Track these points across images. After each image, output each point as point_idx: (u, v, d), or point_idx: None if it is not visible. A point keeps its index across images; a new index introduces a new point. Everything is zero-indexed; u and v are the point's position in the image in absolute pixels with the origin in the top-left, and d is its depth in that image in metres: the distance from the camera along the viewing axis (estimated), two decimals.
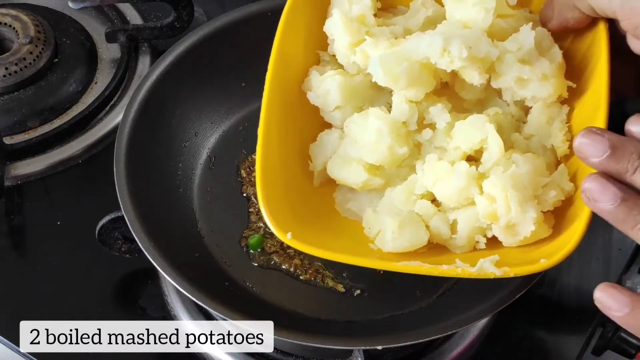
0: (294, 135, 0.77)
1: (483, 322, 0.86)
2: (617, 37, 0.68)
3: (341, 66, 0.78)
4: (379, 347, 0.72)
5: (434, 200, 0.73)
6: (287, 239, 0.68)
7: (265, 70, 0.75)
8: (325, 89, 0.76)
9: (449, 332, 0.75)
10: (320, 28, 0.78)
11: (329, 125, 0.79)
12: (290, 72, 0.78)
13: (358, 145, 0.74)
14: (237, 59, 0.92)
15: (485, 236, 0.71)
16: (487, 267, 0.64)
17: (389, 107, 0.75)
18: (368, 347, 0.73)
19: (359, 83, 0.77)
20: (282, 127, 0.75)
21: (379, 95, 0.77)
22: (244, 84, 0.93)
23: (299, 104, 0.78)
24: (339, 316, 0.80)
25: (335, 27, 0.76)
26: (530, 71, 0.70)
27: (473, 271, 0.65)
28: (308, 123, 0.79)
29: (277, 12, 0.78)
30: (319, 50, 0.80)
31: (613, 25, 0.69)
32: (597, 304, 0.60)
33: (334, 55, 0.79)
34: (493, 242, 0.70)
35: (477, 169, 0.69)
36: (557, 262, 0.64)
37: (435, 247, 0.72)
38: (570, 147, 0.71)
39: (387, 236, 0.71)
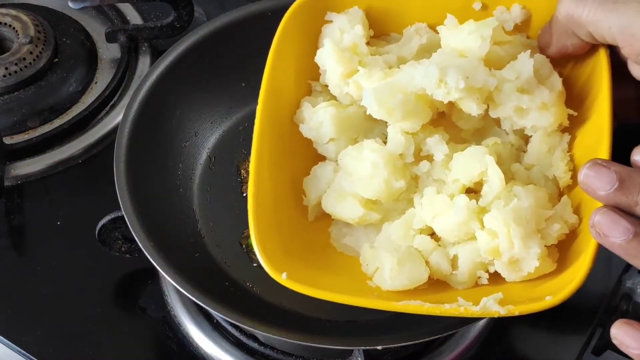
0: (287, 168, 0.75)
1: (483, 322, 0.86)
2: (618, 63, 0.67)
3: (334, 97, 0.77)
4: (379, 347, 0.72)
5: (433, 234, 0.70)
6: (282, 279, 0.67)
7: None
8: (318, 121, 0.74)
9: (449, 332, 0.75)
10: (312, 57, 0.76)
11: (322, 158, 0.77)
12: (282, 104, 0.76)
13: (353, 179, 0.72)
14: (237, 59, 0.92)
15: (487, 271, 0.68)
16: (490, 306, 0.62)
17: (385, 139, 0.73)
18: (368, 347, 0.73)
19: (353, 114, 0.75)
20: (274, 161, 0.73)
21: (374, 127, 0.75)
22: (244, 84, 0.93)
23: (291, 137, 0.76)
24: (339, 316, 0.80)
25: (327, 58, 0.74)
26: (529, 100, 0.68)
27: (476, 310, 0.63)
28: (301, 156, 0.76)
29: (277, 12, 0.78)
30: (310, 80, 0.78)
31: (614, 51, 0.67)
32: (614, 341, 0.59)
33: (327, 85, 0.77)
34: (495, 277, 0.68)
35: (477, 203, 0.67)
36: (563, 299, 0.62)
37: (436, 283, 0.70)
38: (573, 177, 0.69)
39: (386, 274, 0.68)
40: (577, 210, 0.67)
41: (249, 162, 0.90)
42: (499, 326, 0.87)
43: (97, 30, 1.09)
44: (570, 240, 0.66)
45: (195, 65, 0.90)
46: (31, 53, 1.00)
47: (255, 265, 0.84)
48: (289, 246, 0.71)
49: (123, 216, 0.77)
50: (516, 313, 0.63)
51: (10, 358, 0.84)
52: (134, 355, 0.85)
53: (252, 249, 0.83)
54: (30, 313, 0.86)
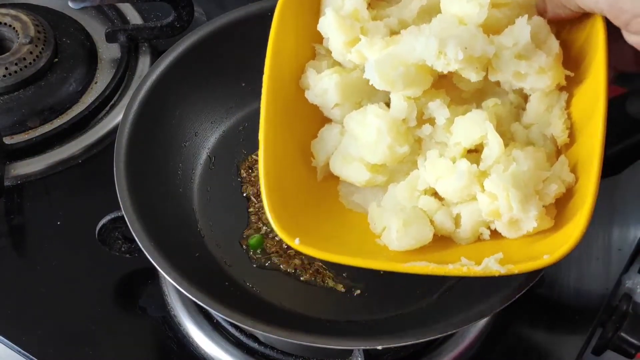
0: (295, 131, 0.77)
1: (483, 322, 0.86)
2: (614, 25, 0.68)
3: (337, 62, 0.78)
4: (379, 347, 0.72)
5: (436, 194, 0.73)
6: (295, 244, 0.69)
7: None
8: (323, 88, 0.76)
9: (449, 332, 0.75)
10: (315, 20, 0.77)
11: (329, 120, 0.79)
12: (287, 68, 0.77)
13: (358, 144, 0.74)
14: (237, 59, 0.92)
15: (488, 228, 0.71)
16: (491, 266, 0.65)
17: (389, 100, 0.74)
18: (368, 347, 0.73)
19: (356, 79, 0.76)
20: (283, 125, 0.75)
21: (378, 90, 0.76)
22: (244, 84, 0.93)
23: (298, 99, 0.77)
24: (339, 316, 0.80)
25: (329, 27, 0.76)
26: (527, 66, 0.70)
27: (478, 270, 0.65)
28: (308, 118, 0.78)
29: None
30: (315, 43, 0.79)
31: None
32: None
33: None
34: (497, 233, 0.71)
35: (478, 167, 0.69)
36: (559, 257, 0.64)
37: (440, 240, 0.72)
38: (570, 136, 0.71)
39: (392, 235, 0.71)
40: (574, 169, 0.69)
41: (249, 162, 0.91)
42: (499, 326, 0.87)
43: (97, 30, 1.09)
44: (568, 198, 0.69)
45: (195, 65, 0.90)
46: (31, 53, 1.00)
47: (255, 265, 0.84)
48: (300, 207, 0.74)
49: (123, 216, 0.77)
50: (516, 271, 0.65)
51: (10, 358, 0.84)
52: (134, 355, 0.85)
53: (252, 248, 0.84)
54: (30, 313, 0.86)
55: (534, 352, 0.87)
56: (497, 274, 0.65)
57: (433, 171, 0.71)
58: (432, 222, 0.72)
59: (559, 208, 0.69)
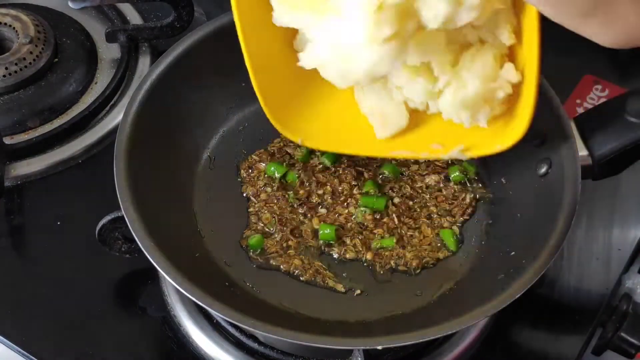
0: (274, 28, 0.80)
1: (483, 322, 0.86)
2: None
3: None
4: (379, 347, 0.72)
5: None
6: (298, 142, 0.84)
7: None
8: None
9: (449, 332, 0.75)
10: None
11: None
12: None
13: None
14: (237, 58, 0.91)
15: None
16: (455, 155, 0.80)
17: None
18: (368, 347, 0.73)
19: None
20: (261, 22, 0.80)
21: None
22: (244, 84, 0.92)
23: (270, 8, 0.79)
24: (339, 316, 0.80)
25: None
26: (459, 20, 0.71)
27: (445, 157, 0.81)
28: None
29: None
30: None
31: None
32: None
33: None
34: None
35: (432, 87, 0.77)
36: (508, 147, 0.75)
37: (413, 119, 0.83)
38: (517, 36, 0.74)
39: (376, 127, 0.83)
40: (523, 69, 0.74)
41: (249, 162, 0.91)
42: (499, 326, 0.87)
43: (97, 30, 1.09)
44: (516, 96, 0.75)
45: (195, 65, 0.90)
46: (31, 53, 1.00)
47: (255, 265, 0.84)
48: (291, 94, 0.84)
49: (123, 216, 0.77)
50: (474, 156, 0.80)
51: (11, 358, 0.84)
52: (134, 355, 0.85)
53: (252, 248, 0.84)
54: (30, 313, 0.86)
55: (534, 352, 0.87)
56: (459, 158, 0.80)
57: (398, 80, 0.79)
58: (406, 104, 0.83)
59: (514, 98, 0.76)
